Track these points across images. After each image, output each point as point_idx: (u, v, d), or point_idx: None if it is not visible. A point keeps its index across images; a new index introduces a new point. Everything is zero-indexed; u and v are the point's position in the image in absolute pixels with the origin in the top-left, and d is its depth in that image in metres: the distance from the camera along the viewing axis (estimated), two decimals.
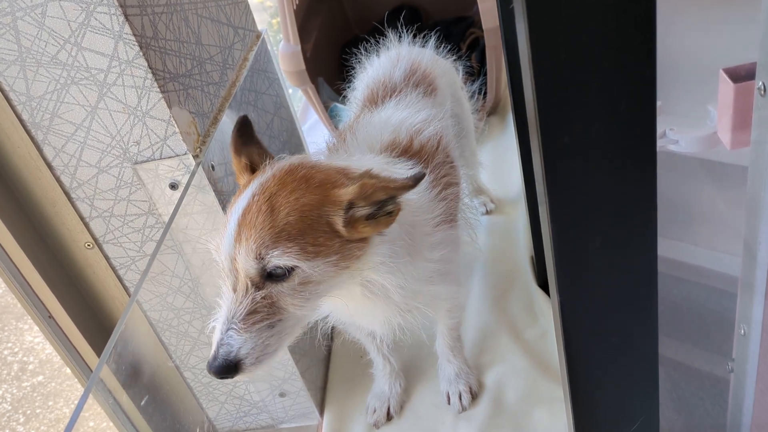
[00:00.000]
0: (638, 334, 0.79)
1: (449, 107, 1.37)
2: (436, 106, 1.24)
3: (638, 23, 0.57)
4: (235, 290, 0.80)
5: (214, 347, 0.78)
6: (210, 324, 0.82)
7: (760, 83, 0.64)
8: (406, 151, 1.05)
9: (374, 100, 1.23)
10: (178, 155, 0.97)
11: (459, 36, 2.21)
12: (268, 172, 0.83)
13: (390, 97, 1.22)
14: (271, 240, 0.77)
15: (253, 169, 0.89)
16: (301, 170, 0.83)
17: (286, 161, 0.86)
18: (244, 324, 0.79)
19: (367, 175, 0.82)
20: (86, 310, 1.12)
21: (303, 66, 1.85)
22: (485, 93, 2.01)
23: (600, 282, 0.72)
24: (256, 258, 0.77)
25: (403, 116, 1.13)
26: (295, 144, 1.51)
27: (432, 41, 1.45)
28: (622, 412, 0.85)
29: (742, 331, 0.83)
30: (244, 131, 0.92)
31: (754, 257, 0.82)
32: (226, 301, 0.80)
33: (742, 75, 0.68)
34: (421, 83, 1.27)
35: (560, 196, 0.65)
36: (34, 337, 2.89)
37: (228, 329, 0.80)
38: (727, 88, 0.70)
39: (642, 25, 0.58)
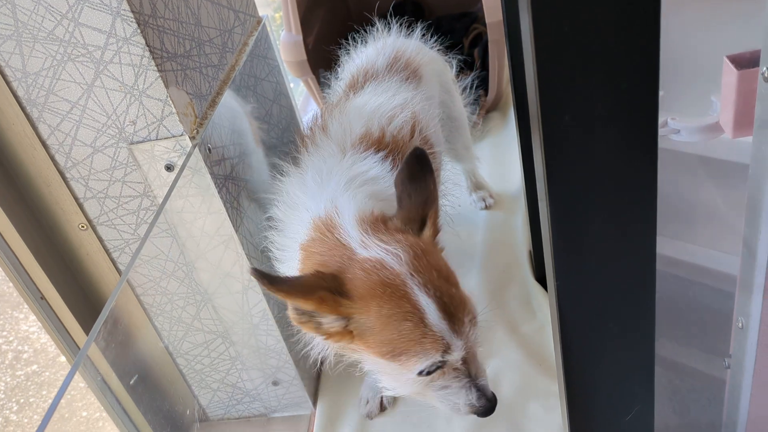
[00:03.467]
0: (635, 325, 0.78)
1: (437, 96, 1.36)
2: (420, 93, 1.24)
3: (643, 9, 0.56)
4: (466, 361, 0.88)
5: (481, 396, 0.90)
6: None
7: (764, 69, 0.63)
8: (378, 143, 1.06)
9: (354, 87, 1.25)
10: (174, 136, 0.96)
11: (462, 31, 2.20)
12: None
13: (369, 83, 1.24)
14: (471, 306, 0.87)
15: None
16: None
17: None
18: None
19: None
20: (79, 293, 1.11)
21: (305, 56, 1.84)
22: (487, 88, 2.00)
23: (598, 268, 0.71)
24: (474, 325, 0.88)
25: (378, 103, 1.13)
26: (295, 130, 1.50)
27: (419, 31, 1.45)
28: (617, 405, 0.84)
29: (740, 324, 0.82)
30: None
31: (754, 254, 0.81)
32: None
33: (746, 62, 0.67)
34: (403, 71, 1.27)
35: (559, 178, 0.64)
36: (29, 326, 2.88)
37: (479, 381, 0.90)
38: (730, 75, 0.69)
39: (647, 11, 0.57)
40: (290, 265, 1.01)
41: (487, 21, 1.82)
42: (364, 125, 1.08)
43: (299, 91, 2.46)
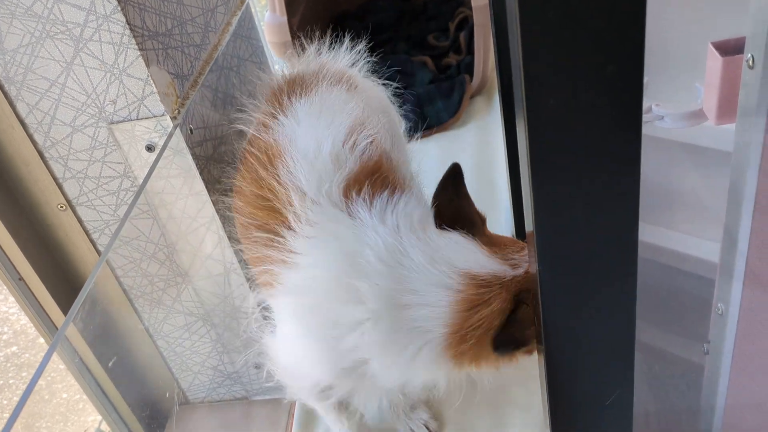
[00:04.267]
0: (616, 310, 0.78)
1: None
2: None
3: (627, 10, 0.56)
4: None
5: None
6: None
7: (749, 55, 0.63)
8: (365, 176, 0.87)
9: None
10: (155, 116, 0.95)
11: (449, 15, 2.18)
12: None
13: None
14: None
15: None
16: None
17: None
18: None
19: None
20: (57, 274, 1.10)
21: (289, 37, 1.82)
22: (472, 73, 1.99)
23: (580, 252, 0.71)
24: None
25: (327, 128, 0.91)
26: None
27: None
28: (597, 389, 0.84)
29: (719, 311, 0.83)
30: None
31: (735, 241, 0.81)
32: None
33: (730, 48, 0.67)
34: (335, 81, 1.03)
35: (543, 159, 0.64)
36: (9, 307, 2.85)
37: None
38: (715, 61, 0.69)
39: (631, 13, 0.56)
40: None
41: (473, 5, 1.81)
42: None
43: None
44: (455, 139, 1.90)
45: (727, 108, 0.69)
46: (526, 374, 1.21)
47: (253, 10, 1.33)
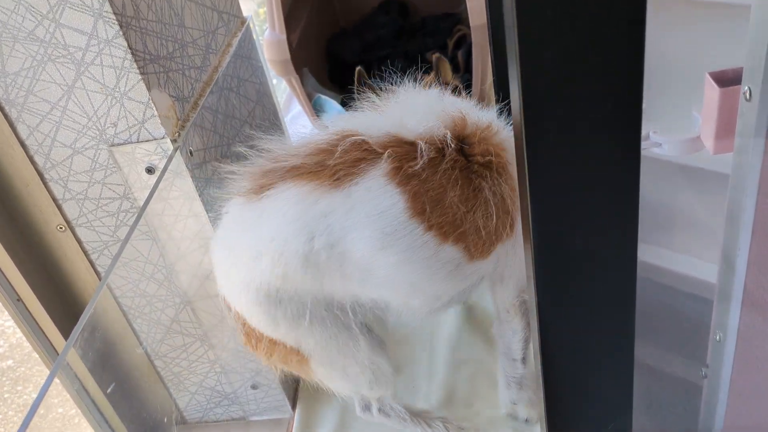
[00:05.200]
0: (615, 336, 0.79)
1: None
2: None
3: (628, 23, 0.57)
4: None
5: None
6: None
7: (746, 88, 0.63)
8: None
9: None
10: (155, 139, 0.95)
11: (447, 32, 2.20)
12: None
13: None
14: None
15: None
16: None
17: None
18: None
19: None
20: (56, 295, 1.10)
21: (288, 55, 1.83)
22: (470, 90, 2.00)
23: (579, 283, 0.71)
24: None
25: None
26: (278, 132, 1.49)
27: None
28: (596, 413, 0.84)
29: (718, 338, 0.83)
30: None
31: (732, 265, 0.82)
32: None
33: (728, 79, 0.68)
34: None
35: (542, 192, 0.65)
36: (5, 320, 2.84)
37: None
38: (712, 91, 0.69)
39: (631, 25, 0.57)
40: None
41: (471, 24, 1.82)
42: None
43: (282, 88, 2.45)
44: None
45: (725, 138, 0.70)
46: None
47: (253, 29, 1.33)
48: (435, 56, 1.15)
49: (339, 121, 0.94)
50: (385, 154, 0.83)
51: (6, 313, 1.10)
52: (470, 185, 0.86)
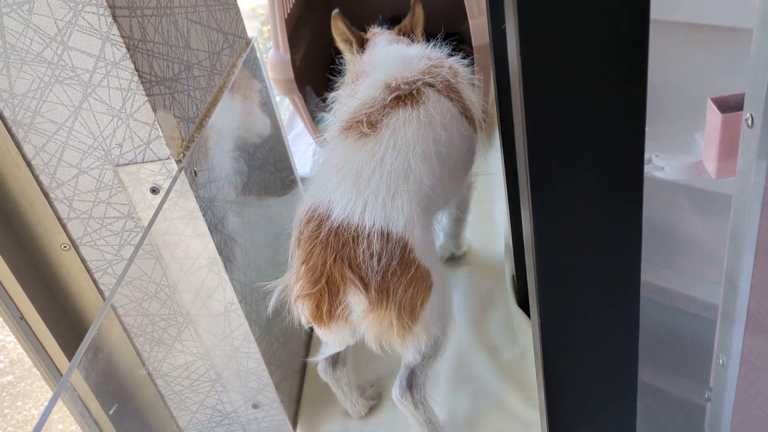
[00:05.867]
0: (618, 357, 0.79)
1: None
2: None
3: (631, 48, 0.58)
4: None
5: None
6: None
7: (748, 114, 0.64)
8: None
9: None
10: (160, 159, 0.96)
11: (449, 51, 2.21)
12: None
13: None
14: None
15: None
16: None
17: None
18: None
19: None
20: (59, 313, 1.10)
21: (291, 75, 1.84)
22: None
23: (582, 306, 0.72)
24: None
25: None
26: (280, 152, 1.50)
27: None
28: None
29: (721, 362, 0.83)
30: None
31: (736, 288, 0.82)
32: None
33: (730, 105, 0.69)
34: None
35: (545, 217, 0.65)
36: (5, 336, 2.84)
37: None
38: (714, 117, 0.70)
39: (634, 50, 0.58)
40: None
41: (473, 45, 1.83)
42: None
43: (285, 105, 2.46)
44: None
45: (727, 162, 0.70)
46: (527, 419, 1.21)
47: (257, 50, 1.34)
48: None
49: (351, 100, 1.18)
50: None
51: (6, 328, 1.09)
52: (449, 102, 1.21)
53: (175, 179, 0.96)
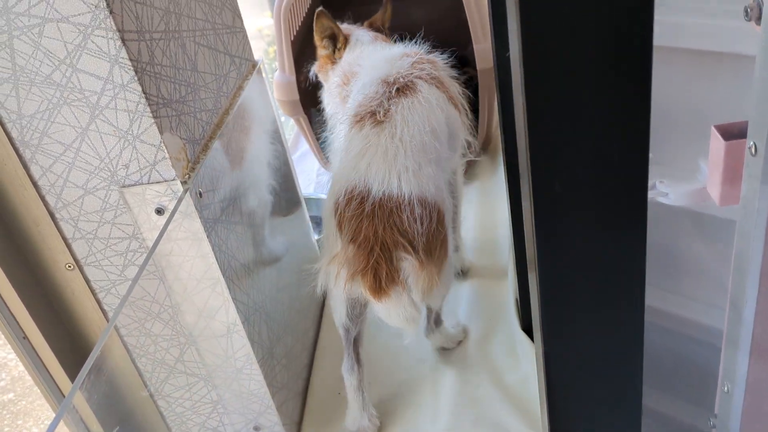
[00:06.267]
0: (623, 382, 0.78)
1: None
2: None
3: (635, 74, 0.58)
4: None
5: None
6: None
7: (752, 143, 0.64)
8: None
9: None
10: (166, 180, 0.96)
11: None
12: None
13: None
14: None
15: None
16: None
17: None
18: None
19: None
20: (62, 332, 1.10)
21: (297, 96, 1.86)
22: (476, 132, 2.02)
23: (586, 332, 0.71)
24: None
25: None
26: (285, 173, 1.50)
27: None
28: None
29: (726, 389, 0.82)
30: None
31: (740, 314, 0.82)
32: None
33: (734, 133, 0.69)
34: None
35: (549, 242, 0.65)
36: (7, 353, 2.83)
37: None
38: (718, 145, 0.70)
39: (638, 76, 0.58)
40: None
41: (478, 68, 1.85)
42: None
43: (289, 125, 2.47)
44: None
45: (731, 190, 0.70)
46: None
47: (263, 72, 1.36)
48: None
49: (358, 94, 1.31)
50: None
51: (8, 346, 1.09)
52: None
53: (180, 201, 0.96)
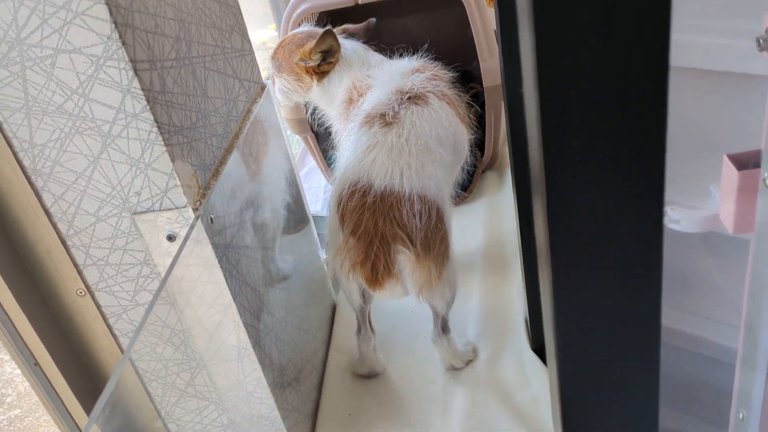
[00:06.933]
0: (639, 404, 0.78)
1: None
2: None
3: (650, 99, 0.58)
4: None
5: None
6: None
7: (765, 174, 0.64)
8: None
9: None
10: (177, 207, 0.97)
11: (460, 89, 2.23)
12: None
13: None
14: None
15: None
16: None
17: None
18: None
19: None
20: (73, 359, 1.10)
21: (304, 114, 1.86)
22: (483, 148, 2.02)
23: (601, 354, 0.71)
24: None
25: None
26: (294, 192, 1.50)
27: None
28: None
29: (741, 416, 0.82)
30: None
31: (756, 340, 0.81)
32: None
33: (748, 161, 0.69)
34: None
35: (564, 267, 0.65)
36: (14, 368, 2.83)
37: None
38: (730, 174, 0.70)
39: (653, 101, 0.58)
40: None
41: (484, 85, 1.85)
42: None
43: (295, 140, 2.48)
44: (467, 213, 1.92)
45: (745, 219, 0.70)
46: None
47: (272, 94, 1.36)
48: (373, 19, 1.75)
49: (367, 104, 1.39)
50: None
51: (14, 362, 1.09)
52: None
53: (191, 228, 0.96)
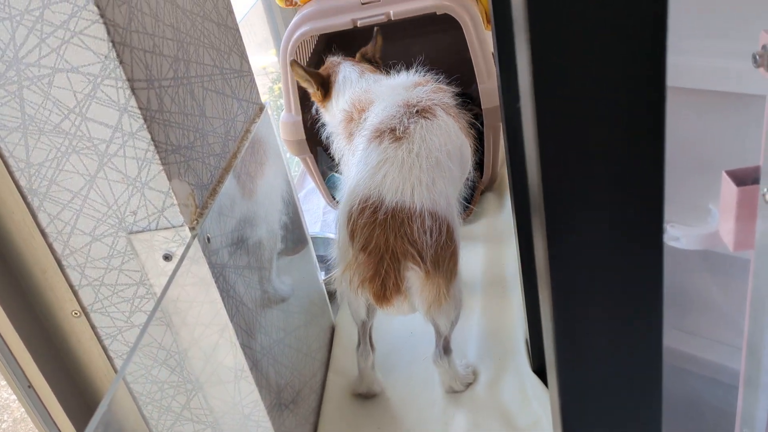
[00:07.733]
0: (641, 429, 0.76)
1: None
2: None
3: (648, 118, 0.58)
4: None
5: None
6: None
7: (765, 190, 0.64)
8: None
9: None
10: (174, 227, 0.96)
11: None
12: None
13: None
14: None
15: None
16: None
17: None
18: None
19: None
20: (68, 381, 1.09)
21: (303, 136, 1.87)
22: (482, 170, 2.02)
23: (603, 376, 0.70)
24: None
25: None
26: (292, 213, 1.50)
27: None
28: None
29: None
30: None
31: (758, 360, 0.80)
32: None
33: (746, 178, 0.68)
34: None
35: (564, 287, 0.64)
36: (10, 394, 2.80)
37: None
38: (729, 191, 0.69)
39: (652, 120, 0.58)
40: None
41: (483, 107, 1.85)
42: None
43: (294, 162, 2.48)
44: (466, 234, 1.91)
45: (745, 236, 0.70)
46: None
47: (270, 114, 1.36)
48: (376, 29, 1.75)
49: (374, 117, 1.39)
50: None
51: (9, 388, 1.08)
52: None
53: (188, 247, 0.96)
